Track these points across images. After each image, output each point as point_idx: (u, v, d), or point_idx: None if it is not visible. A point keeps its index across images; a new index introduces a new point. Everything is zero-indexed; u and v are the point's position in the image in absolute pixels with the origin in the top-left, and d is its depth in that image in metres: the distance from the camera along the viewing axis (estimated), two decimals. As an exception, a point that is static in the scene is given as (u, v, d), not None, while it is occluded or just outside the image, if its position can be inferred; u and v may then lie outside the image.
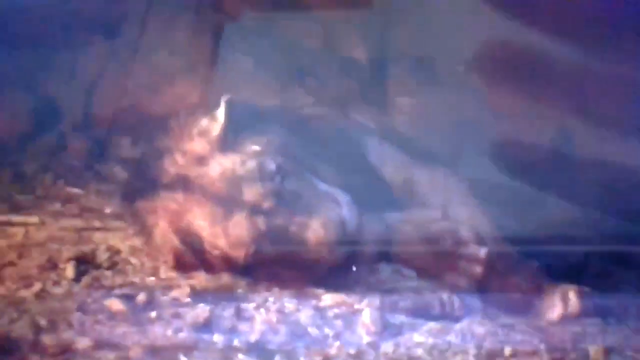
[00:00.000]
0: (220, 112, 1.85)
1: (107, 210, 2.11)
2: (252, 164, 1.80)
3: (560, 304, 1.85)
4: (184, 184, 1.84)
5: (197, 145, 1.86)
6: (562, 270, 1.96)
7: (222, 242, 1.77)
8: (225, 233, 1.76)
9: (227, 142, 1.84)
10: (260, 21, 2.53)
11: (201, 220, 1.78)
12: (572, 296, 1.85)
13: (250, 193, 1.77)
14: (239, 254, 1.76)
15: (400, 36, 2.37)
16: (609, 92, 2.11)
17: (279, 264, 1.79)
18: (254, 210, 1.76)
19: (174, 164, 1.87)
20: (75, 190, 2.24)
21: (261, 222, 1.75)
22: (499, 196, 2.12)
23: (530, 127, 2.22)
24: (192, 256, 1.80)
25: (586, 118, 2.15)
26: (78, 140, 2.49)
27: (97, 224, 2.01)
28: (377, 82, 2.43)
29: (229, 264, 1.78)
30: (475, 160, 2.17)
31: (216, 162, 1.82)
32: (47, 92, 2.62)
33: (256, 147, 1.84)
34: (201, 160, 1.84)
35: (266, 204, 1.76)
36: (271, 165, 1.80)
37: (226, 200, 1.79)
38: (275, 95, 2.40)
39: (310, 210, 1.78)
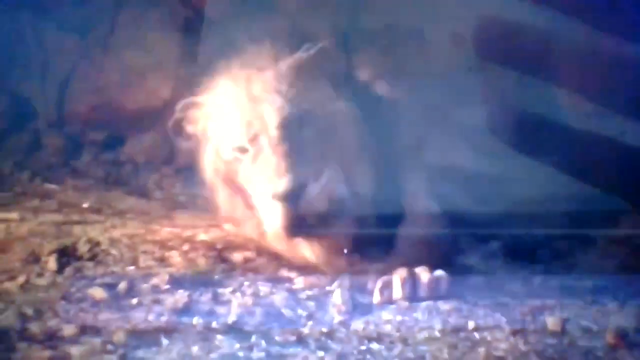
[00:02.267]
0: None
1: (85, 205, 2.26)
2: None
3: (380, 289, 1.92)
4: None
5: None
6: (523, 249, 2.16)
7: None
8: None
9: None
10: (229, 15, 2.66)
11: None
12: (396, 283, 1.91)
13: None
14: None
15: (370, 21, 2.50)
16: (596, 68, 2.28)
17: None
18: None
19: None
20: (53, 187, 2.39)
21: None
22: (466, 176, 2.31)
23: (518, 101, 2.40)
24: None
25: (574, 94, 2.32)
26: (53, 138, 2.64)
27: (76, 217, 2.16)
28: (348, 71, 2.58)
29: None
30: (446, 143, 2.35)
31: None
32: (20, 91, 2.75)
33: None
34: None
35: None
36: None
37: None
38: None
39: None
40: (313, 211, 1.93)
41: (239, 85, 2.01)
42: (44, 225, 2.12)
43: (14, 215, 2.17)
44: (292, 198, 1.88)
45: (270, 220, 1.92)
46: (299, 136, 1.95)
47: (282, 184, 1.87)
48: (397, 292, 1.90)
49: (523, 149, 2.30)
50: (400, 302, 1.89)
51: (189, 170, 2.54)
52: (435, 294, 1.91)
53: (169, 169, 2.71)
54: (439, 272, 1.94)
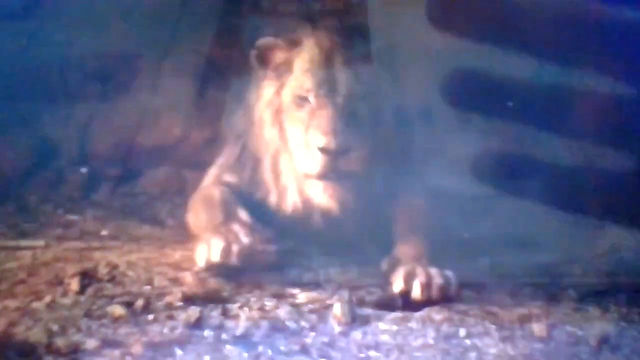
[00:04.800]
0: None
1: (104, 233, 2.47)
2: None
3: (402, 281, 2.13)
4: None
5: None
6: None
7: None
8: None
9: None
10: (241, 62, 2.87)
11: None
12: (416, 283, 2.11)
13: None
14: None
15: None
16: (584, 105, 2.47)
17: None
18: None
19: None
20: (74, 217, 2.62)
21: None
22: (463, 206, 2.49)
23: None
24: None
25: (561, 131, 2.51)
26: (74, 174, 2.88)
27: (96, 244, 2.37)
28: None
29: None
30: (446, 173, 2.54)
31: None
32: (45, 132, 3.00)
33: None
34: None
35: None
36: None
37: None
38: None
39: None
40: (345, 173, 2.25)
41: (321, 46, 2.33)
42: (67, 252, 2.32)
43: (40, 242, 2.39)
44: (336, 155, 2.20)
45: (307, 166, 2.26)
46: (357, 108, 2.27)
47: (334, 140, 2.19)
48: (417, 289, 2.09)
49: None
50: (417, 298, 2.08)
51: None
52: (446, 294, 2.11)
53: (180, 200, 2.87)
54: (449, 273, 2.14)
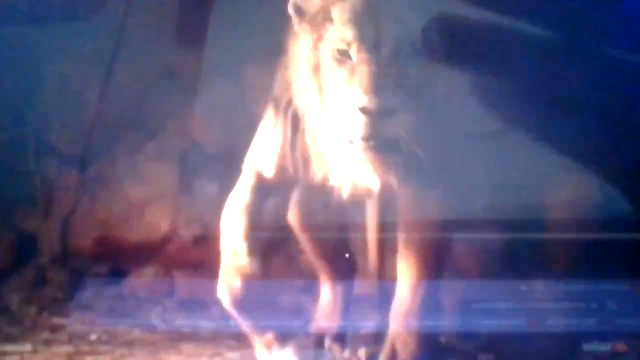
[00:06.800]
0: None
1: (93, 337, 2.56)
2: None
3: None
4: None
5: None
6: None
7: None
8: None
9: None
10: (224, 146, 3.00)
11: None
12: None
13: None
14: None
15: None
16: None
17: None
18: None
19: None
20: (61, 320, 2.69)
21: None
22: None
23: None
24: None
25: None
26: (57, 273, 2.96)
27: (86, 348, 2.44)
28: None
29: None
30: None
31: None
32: (23, 227, 3.08)
33: None
34: None
35: None
36: None
37: None
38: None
39: None
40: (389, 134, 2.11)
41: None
42: (56, 357, 2.41)
43: (27, 347, 2.45)
44: (378, 116, 2.08)
45: (347, 131, 2.12)
46: (405, 64, 2.15)
47: (376, 99, 2.06)
48: None
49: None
50: None
51: (190, 302, 2.86)
52: None
53: (171, 302, 2.99)
54: None
